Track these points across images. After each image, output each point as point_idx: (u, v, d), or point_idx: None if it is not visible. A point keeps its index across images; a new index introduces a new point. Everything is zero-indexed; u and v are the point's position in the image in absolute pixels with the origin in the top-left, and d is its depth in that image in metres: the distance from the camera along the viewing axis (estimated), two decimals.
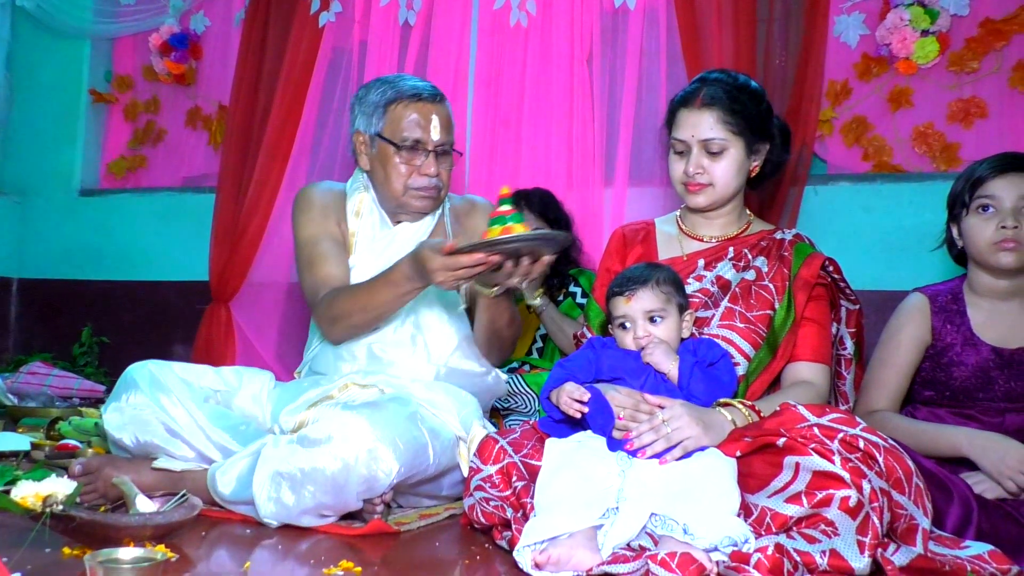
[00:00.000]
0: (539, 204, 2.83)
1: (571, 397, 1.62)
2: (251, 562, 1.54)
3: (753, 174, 1.97)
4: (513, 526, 1.59)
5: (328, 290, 2.03)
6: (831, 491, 1.39)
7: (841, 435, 1.45)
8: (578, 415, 1.62)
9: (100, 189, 3.99)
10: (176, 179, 3.85)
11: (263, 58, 3.41)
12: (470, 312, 2.19)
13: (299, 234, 2.16)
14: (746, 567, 1.37)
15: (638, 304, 1.73)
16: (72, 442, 2.44)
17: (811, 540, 1.39)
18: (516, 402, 2.51)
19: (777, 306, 1.86)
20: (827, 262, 1.91)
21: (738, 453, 1.55)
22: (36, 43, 4.01)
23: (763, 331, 1.85)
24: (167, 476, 1.88)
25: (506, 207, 1.73)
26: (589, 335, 2.01)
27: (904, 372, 1.98)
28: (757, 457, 1.54)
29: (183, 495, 1.65)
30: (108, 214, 3.90)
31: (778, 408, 1.59)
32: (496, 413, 2.50)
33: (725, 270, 1.93)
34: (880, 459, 1.44)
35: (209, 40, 3.80)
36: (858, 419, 1.51)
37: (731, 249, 1.96)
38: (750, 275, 1.91)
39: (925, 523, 1.45)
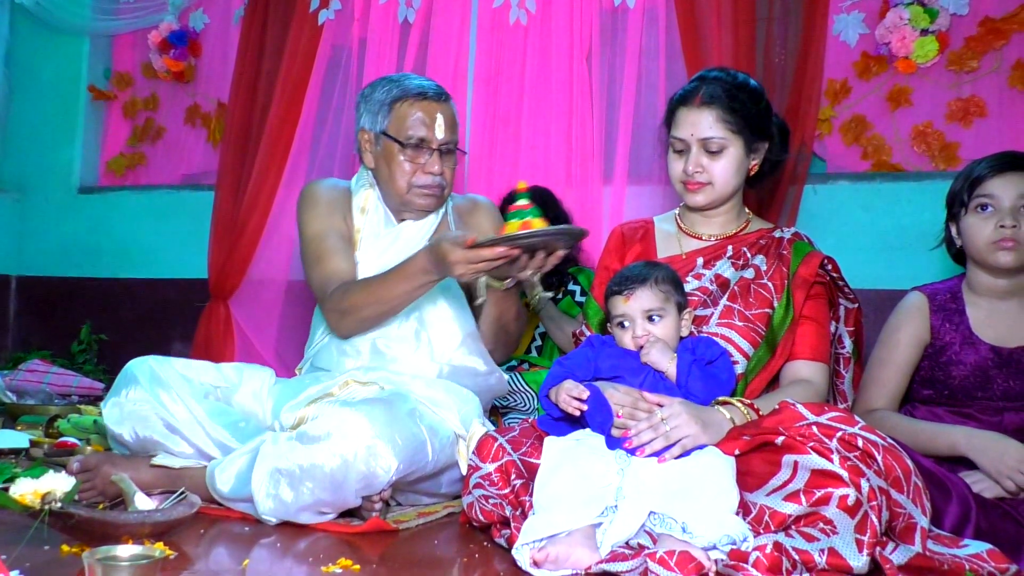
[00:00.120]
0: (538, 202, 2.82)
1: (570, 395, 1.62)
2: (250, 560, 1.54)
3: (752, 173, 1.96)
4: (512, 524, 1.60)
5: (338, 284, 2.04)
6: (830, 489, 1.39)
7: (840, 434, 1.45)
8: (577, 413, 1.62)
9: (99, 186, 3.99)
10: (175, 176, 3.85)
11: (262, 56, 3.41)
12: (474, 308, 2.19)
13: (305, 230, 2.17)
14: (744, 565, 1.37)
15: (636, 303, 1.73)
16: (71, 439, 2.44)
17: (810, 539, 1.39)
18: (515, 400, 2.51)
19: (776, 304, 1.86)
20: (826, 261, 1.91)
21: (737, 451, 1.55)
22: (35, 40, 4.00)
23: (762, 329, 1.85)
24: (166, 473, 1.88)
25: (524, 201, 1.74)
26: (588, 333, 2.01)
27: (903, 371, 1.98)
28: (756, 455, 1.54)
29: (182, 492, 1.65)
30: (107, 211, 3.89)
31: (777, 406, 1.59)
32: (495, 411, 2.50)
33: (724, 268, 1.93)
34: (879, 458, 1.44)
35: (208, 37, 3.79)
36: (857, 418, 1.51)
37: (730, 247, 1.96)
38: (749, 273, 1.91)
39: (924, 522, 1.45)
